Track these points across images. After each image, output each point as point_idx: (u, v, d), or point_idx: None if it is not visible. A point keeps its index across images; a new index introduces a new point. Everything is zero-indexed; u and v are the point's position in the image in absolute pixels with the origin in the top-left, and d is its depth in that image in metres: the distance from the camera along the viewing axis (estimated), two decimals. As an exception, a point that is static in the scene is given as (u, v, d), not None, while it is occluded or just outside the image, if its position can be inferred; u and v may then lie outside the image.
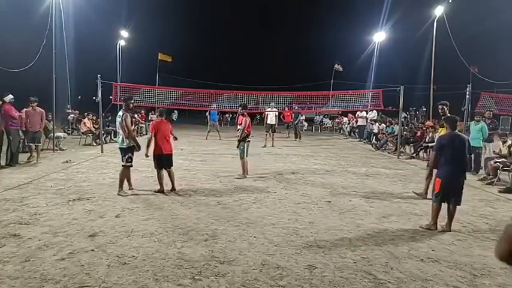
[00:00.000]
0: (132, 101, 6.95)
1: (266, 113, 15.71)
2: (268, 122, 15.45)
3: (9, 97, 9.13)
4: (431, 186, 6.04)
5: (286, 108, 17.11)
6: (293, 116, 18.19)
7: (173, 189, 6.76)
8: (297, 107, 17.33)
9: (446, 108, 6.39)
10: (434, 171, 5.72)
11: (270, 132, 15.04)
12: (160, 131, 6.72)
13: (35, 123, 9.68)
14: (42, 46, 11.98)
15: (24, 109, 9.67)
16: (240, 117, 8.50)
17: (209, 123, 17.85)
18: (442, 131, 6.61)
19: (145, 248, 4.09)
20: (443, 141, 5.07)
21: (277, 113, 15.93)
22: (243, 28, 55.01)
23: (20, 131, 9.57)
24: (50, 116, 13.01)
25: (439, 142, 5.10)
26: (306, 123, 23.77)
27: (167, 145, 6.78)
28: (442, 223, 5.04)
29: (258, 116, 20.72)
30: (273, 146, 14.46)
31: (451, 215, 4.97)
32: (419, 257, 4.06)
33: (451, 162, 4.95)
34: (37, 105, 9.79)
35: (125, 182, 6.63)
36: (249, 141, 8.35)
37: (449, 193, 4.94)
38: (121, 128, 6.45)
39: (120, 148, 6.58)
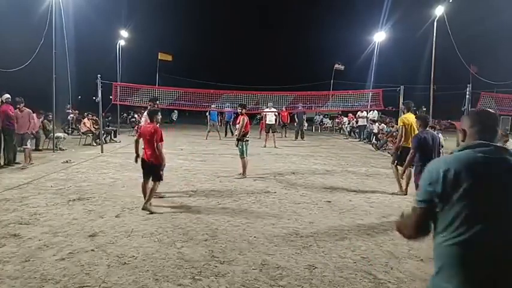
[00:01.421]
0: (157, 102, 6.84)
1: (265, 113, 15.69)
2: (267, 122, 15.45)
3: (6, 96, 9.10)
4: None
5: (284, 109, 17.09)
6: (297, 116, 18.23)
7: (146, 203, 5.53)
8: (301, 107, 17.29)
9: (403, 107, 7.49)
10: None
11: (270, 132, 15.03)
12: (143, 136, 5.78)
13: (22, 125, 9.22)
14: (40, 45, 11.95)
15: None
16: (239, 116, 8.52)
17: (209, 123, 17.86)
18: (402, 120, 7.12)
19: (145, 248, 4.09)
20: (421, 139, 5.18)
21: (276, 113, 15.91)
22: (243, 28, 55.12)
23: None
24: (50, 116, 13.01)
25: (418, 140, 5.22)
26: (306, 124, 23.79)
27: (148, 151, 5.72)
28: None
29: (258, 116, 20.69)
30: (275, 147, 14.42)
31: None
32: (419, 257, 4.06)
33: (428, 159, 5.06)
34: (24, 106, 9.34)
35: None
36: (247, 140, 8.33)
37: None
38: None
39: None
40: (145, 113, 6.64)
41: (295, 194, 6.83)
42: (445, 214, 1.56)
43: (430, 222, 1.63)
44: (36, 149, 11.84)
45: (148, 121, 5.97)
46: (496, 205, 1.51)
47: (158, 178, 5.69)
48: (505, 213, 1.50)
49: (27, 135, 9.38)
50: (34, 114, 10.28)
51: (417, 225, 1.65)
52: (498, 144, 1.62)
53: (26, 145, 9.30)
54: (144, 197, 5.67)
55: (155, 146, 5.59)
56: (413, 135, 6.83)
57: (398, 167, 6.95)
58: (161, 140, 5.70)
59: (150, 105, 6.89)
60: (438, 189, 1.55)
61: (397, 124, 13.67)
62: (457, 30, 15.67)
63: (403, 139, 6.92)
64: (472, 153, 1.58)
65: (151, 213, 5.38)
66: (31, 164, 9.14)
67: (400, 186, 6.98)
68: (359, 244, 4.38)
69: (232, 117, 19.08)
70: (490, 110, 1.77)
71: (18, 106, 9.20)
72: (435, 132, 5.62)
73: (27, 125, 9.41)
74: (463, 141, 1.71)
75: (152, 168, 5.69)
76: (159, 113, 6.02)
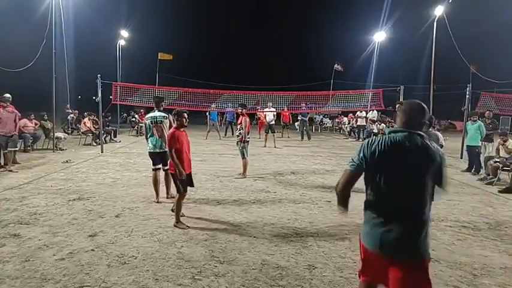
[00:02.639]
0: (162, 103, 6.38)
1: (264, 113, 15.68)
2: (267, 122, 15.44)
3: (6, 96, 9.06)
4: None
5: (285, 109, 17.08)
6: (302, 116, 18.25)
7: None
8: (305, 107, 17.24)
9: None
10: None
11: (269, 132, 15.03)
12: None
13: (7, 126, 8.49)
14: (42, 46, 11.94)
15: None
16: (240, 117, 8.47)
17: (208, 123, 17.88)
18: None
19: (145, 248, 4.09)
20: None
21: (275, 113, 15.92)
22: (243, 28, 55.15)
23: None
24: (46, 116, 12.98)
25: None
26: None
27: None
28: None
29: (256, 116, 20.71)
30: (275, 147, 14.40)
31: None
32: (419, 257, 4.06)
33: None
34: (10, 105, 8.64)
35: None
36: (247, 141, 8.28)
37: None
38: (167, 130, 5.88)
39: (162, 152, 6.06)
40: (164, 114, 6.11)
41: (295, 194, 6.83)
42: (369, 177, 2.25)
43: (353, 183, 2.31)
44: (25, 150, 11.34)
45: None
46: (397, 171, 2.16)
47: (177, 189, 5.07)
48: (402, 176, 2.15)
49: (15, 137, 8.74)
50: (25, 119, 9.81)
51: (346, 182, 2.30)
52: (414, 131, 2.20)
53: (16, 147, 8.83)
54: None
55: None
56: None
57: None
58: (169, 144, 5.11)
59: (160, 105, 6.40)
60: (365, 158, 2.24)
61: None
62: (457, 30, 15.66)
63: None
64: (391, 136, 2.22)
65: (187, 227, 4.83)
66: (15, 171, 8.41)
67: None
68: (359, 244, 4.37)
69: (234, 117, 19.03)
70: (417, 106, 2.28)
71: (3, 105, 8.51)
72: (439, 132, 5.57)
73: (14, 126, 8.70)
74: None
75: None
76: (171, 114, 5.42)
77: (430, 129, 5.41)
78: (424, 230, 2.16)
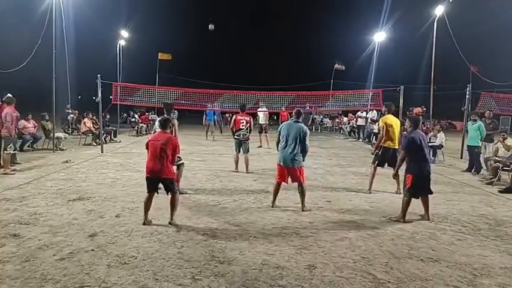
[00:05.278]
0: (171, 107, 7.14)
1: (257, 113, 15.61)
2: (259, 122, 15.39)
3: (7, 96, 9.06)
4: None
5: (283, 108, 17.02)
6: (304, 116, 18.16)
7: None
8: (308, 107, 17.13)
9: (385, 109, 7.70)
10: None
11: (263, 132, 14.97)
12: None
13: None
14: (37, 46, 11.87)
15: None
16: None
17: (204, 123, 17.92)
18: (384, 121, 7.31)
19: (145, 248, 4.09)
20: (410, 139, 5.36)
21: (267, 113, 15.87)
22: (243, 28, 55.12)
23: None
24: (47, 116, 12.95)
25: (407, 141, 5.36)
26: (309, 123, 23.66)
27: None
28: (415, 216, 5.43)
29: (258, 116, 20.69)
30: (268, 147, 14.30)
31: (426, 204, 5.40)
32: (419, 257, 4.06)
33: (419, 159, 5.29)
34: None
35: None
36: (236, 138, 8.69)
37: (420, 188, 5.28)
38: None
39: None
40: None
41: (295, 194, 6.80)
42: (281, 137, 5.78)
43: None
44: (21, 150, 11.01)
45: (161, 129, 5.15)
46: (289, 136, 5.64)
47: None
48: (290, 138, 5.62)
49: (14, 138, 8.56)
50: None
51: (278, 141, 5.87)
52: (297, 120, 5.81)
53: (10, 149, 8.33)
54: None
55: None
56: (393, 136, 6.98)
57: (394, 169, 7.05)
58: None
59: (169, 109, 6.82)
60: (281, 131, 5.84)
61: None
62: (457, 30, 15.65)
63: (383, 139, 7.12)
64: (289, 122, 5.88)
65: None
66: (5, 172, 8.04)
67: (370, 186, 7.22)
68: (359, 244, 4.38)
69: (214, 117, 18.64)
70: (298, 111, 5.94)
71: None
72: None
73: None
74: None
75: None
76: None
77: (417, 130, 5.53)
78: (298, 154, 5.56)
